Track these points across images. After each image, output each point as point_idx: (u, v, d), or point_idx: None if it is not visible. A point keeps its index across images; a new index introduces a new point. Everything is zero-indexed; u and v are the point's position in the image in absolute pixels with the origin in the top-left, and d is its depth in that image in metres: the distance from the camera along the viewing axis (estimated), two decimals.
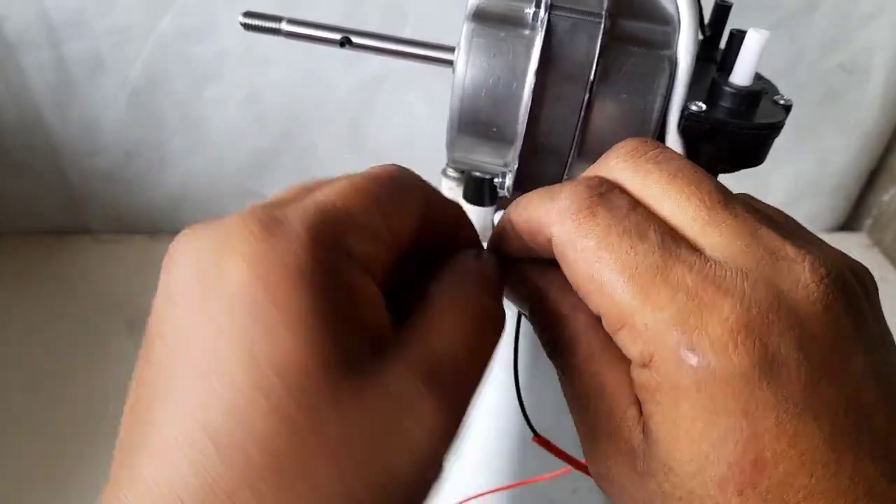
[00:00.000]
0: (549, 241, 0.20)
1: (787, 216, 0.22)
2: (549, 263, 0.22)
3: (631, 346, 0.18)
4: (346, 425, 0.16)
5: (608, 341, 0.20)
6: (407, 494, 0.17)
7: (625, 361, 0.20)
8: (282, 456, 0.15)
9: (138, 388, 0.18)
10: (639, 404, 0.19)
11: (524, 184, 0.27)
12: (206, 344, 0.16)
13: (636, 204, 0.19)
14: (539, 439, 0.28)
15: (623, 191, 0.20)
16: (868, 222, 0.94)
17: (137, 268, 0.82)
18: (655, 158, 0.20)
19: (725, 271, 0.17)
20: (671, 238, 0.18)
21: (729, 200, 0.19)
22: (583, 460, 0.27)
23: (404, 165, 0.23)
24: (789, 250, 0.18)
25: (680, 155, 0.20)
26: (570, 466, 0.29)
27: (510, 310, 0.34)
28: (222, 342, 0.16)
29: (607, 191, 0.20)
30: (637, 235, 0.18)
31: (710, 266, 0.18)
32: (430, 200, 0.21)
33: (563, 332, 0.21)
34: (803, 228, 0.21)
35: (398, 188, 0.20)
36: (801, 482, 0.16)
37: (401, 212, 0.20)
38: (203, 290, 0.17)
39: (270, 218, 0.17)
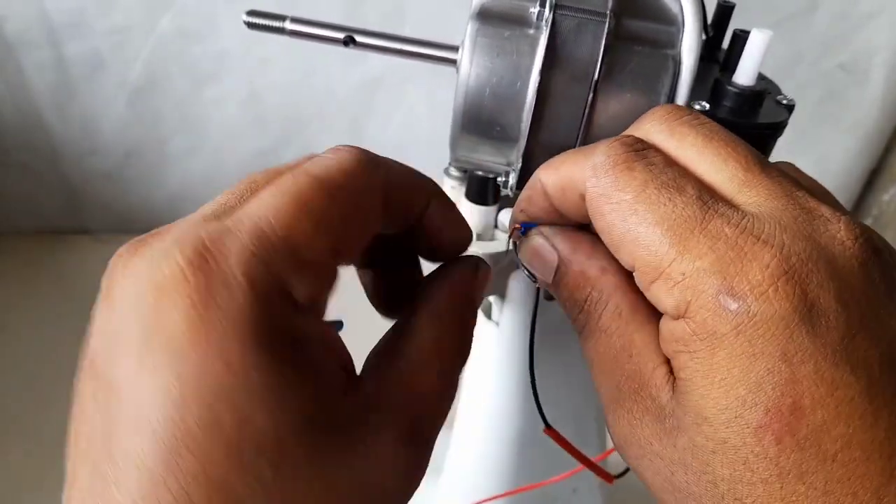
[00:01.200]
0: (582, 198, 0.20)
1: (820, 186, 0.22)
2: (575, 228, 0.22)
3: (666, 297, 0.18)
4: (330, 485, 0.16)
5: (636, 302, 0.20)
6: None
7: (653, 322, 0.20)
8: None
9: (83, 421, 0.17)
10: (667, 363, 0.19)
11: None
12: (158, 408, 0.15)
13: (672, 162, 0.19)
14: (550, 431, 0.28)
15: (659, 150, 0.20)
16: (868, 222, 0.94)
17: None
18: (690, 122, 0.20)
19: (764, 224, 0.18)
20: (709, 193, 0.18)
21: (765, 164, 0.19)
22: (592, 457, 0.27)
23: (404, 163, 0.22)
24: (825, 210, 0.18)
25: (713, 121, 0.20)
26: (572, 470, 0.29)
27: (524, 307, 0.34)
28: (183, 410, 0.15)
29: (644, 148, 0.20)
30: (675, 189, 0.18)
31: (749, 220, 0.18)
32: (394, 187, 0.21)
33: (591, 294, 0.21)
34: (836, 201, 0.21)
35: (351, 193, 0.19)
36: (839, 431, 0.16)
37: (352, 224, 0.19)
38: (145, 338, 0.16)
39: (202, 254, 0.16)
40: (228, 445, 0.15)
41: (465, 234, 0.24)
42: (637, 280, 0.19)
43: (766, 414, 0.17)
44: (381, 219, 0.20)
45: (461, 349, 0.21)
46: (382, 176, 0.20)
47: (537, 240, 0.23)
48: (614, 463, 0.34)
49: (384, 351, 0.20)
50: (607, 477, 0.29)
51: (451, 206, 0.23)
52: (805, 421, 0.16)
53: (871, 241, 0.18)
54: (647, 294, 0.19)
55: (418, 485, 0.19)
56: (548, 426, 0.28)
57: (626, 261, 0.20)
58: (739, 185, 0.19)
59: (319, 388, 0.17)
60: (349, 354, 0.19)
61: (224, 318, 0.15)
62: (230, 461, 0.15)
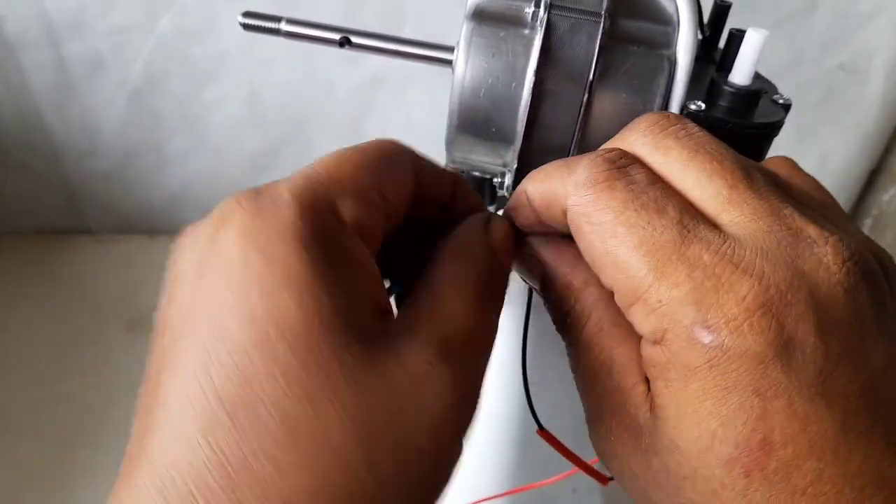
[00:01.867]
0: (564, 213, 0.20)
1: (818, 189, 0.21)
2: (562, 238, 0.22)
3: (643, 322, 0.18)
4: (361, 392, 0.16)
5: (618, 317, 0.20)
6: (426, 468, 0.17)
7: (634, 338, 0.20)
8: (295, 420, 0.15)
9: (146, 382, 0.18)
10: (647, 381, 0.19)
11: None
12: (208, 315, 0.16)
13: (656, 179, 0.19)
14: (543, 433, 0.29)
15: (643, 165, 0.20)
16: (868, 222, 0.94)
17: (137, 268, 0.82)
18: (676, 134, 0.20)
19: (745, 250, 0.17)
20: (690, 215, 0.18)
21: (753, 178, 0.19)
22: (587, 459, 0.27)
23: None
24: (812, 231, 0.18)
25: (702, 129, 0.20)
26: (568, 471, 0.29)
27: (520, 307, 0.34)
28: (224, 310, 0.16)
29: (626, 164, 0.19)
30: (655, 211, 0.18)
31: (730, 244, 0.17)
32: (421, 171, 0.21)
33: (574, 307, 0.21)
34: (833, 207, 0.21)
35: (387, 157, 0.20)
36: (810, 466, 0.16)
37: (390, 178, 0.20)
38: (201, 266, 0.17)
39: (258, 190, 0.18)
40: (257, 332, 0.15)
41: None
42: (616, 300, 0.19)
43: (735, 448, 0.16)
44: (416, 186, 0.21)
45: (483, 282, 0.21)
46: (411, 154, 0.21)
47: (524, 249, 0.23)
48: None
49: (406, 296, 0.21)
50: (602, 479, 0.29)
51: (475, 196, 0.24)
52: (775, 456, 0.16)
53: (860, 265, 0.17)
54: (626, 315, 0.19)
55: (470, 416, 0.19)
56: (541, 427, 0.28)
57: (605, 281, 0.19)
58: (724, 202, 0.18)
59: (353, 299, 0.17)
60: (386, 295, 0.19)
61: (271, 227, 0.17)
62: (258, 351, 0.15)
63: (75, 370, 0.68)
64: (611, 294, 0.20)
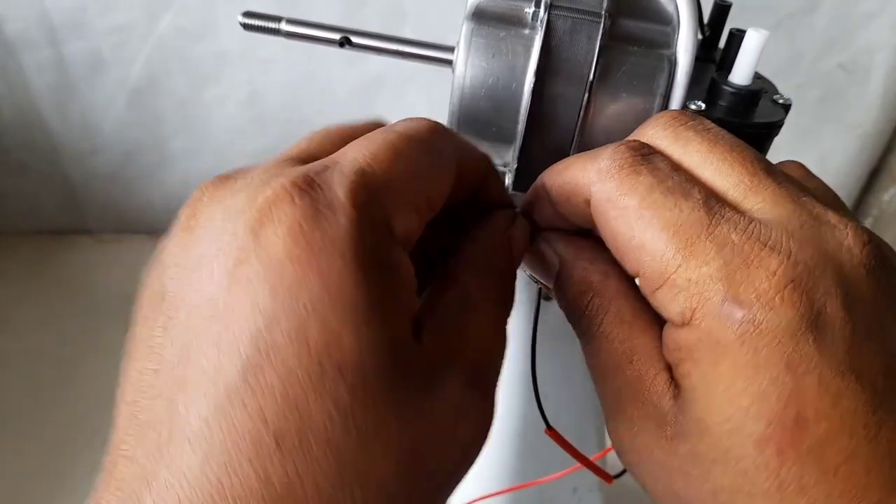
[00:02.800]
0: (587, 203, 0.20)
1: (828, 190, 0.22)
2: (577, 233, 0.22)
3: (671, 303, 0.18)
4: (405, 427, 0.16)
5: (638, 308, 0.20)
6: (453, 486, 0.18)
7: (654, 328, 0.20)
8: (343, 451, 0.15)
9: (150, 360, 0.17)
10: (668, 369, 0.19)
11: (524, 183, 0.27)
12: (249, 324, 0.15)
13: (678, 167, 0.19)
14: (551, 432, 0.29)
15: (664, 155, 0.20)
16: (868, 222, 0.94)
17: (137, 267, 0.82)
18: (695, 127, 0.20)
19: (771, 230, 0.17)
20: (715, 199, 0.18)
21: (771, 169, 0.19)
22: (590, 456, 0.27)
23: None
24: (832, 217, 0.18)
25: (716, 125, 0.20)
26: (568, 469, 0.29)
27: (529, 304, 0.34)
28: (271, 324, 0.15)
29: (649, 153, 0.20)
30: (681, 193, 0.18)
31: (756, 225, 0.18)
32: (463, 162, 0.21)
33: (593, 300, 0.21)
34: (844, 207, 0.21)
35: (436, 153, 0.20)
36: (842, 444, 0.16)
37: (438, 179, 0.19)
38: (237, 259, 0.15)
39: (310, 182, 0.16)
40: (311, 362, 0.15)
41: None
42: (641, 286, 0.19)
43: (768, 426, 0.16)
44: (454, 180, 0.20)
45: (505, 296, 0.21)
46: (455, 140, 0.21)
47: (539, 245, 0.23)
48: (613, 463, 0.34)
49: (430, 304, 0.20)
50: (607, 477, 0.29)
51: (502, 184, 0.24)
52: (808, 433, 0.16)
53: (879, 249, 0.18)
54: (651, 301, 0.19)
55: (486, 436, 0.19)
56: (549, 427, 0.28)
57: (630, 267, 0.19)
58: (745, 190, 0.19)
59: (400, 327, 0.17)
60: (418, 304, 0.19)
61: (326, 237, 0.15)
62: (311, 380, 0.15)
63: (75, 370, 0.68)
64: (630, 286, 0.20)
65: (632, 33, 0.26)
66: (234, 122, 0.79)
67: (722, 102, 0.26)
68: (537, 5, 0.24)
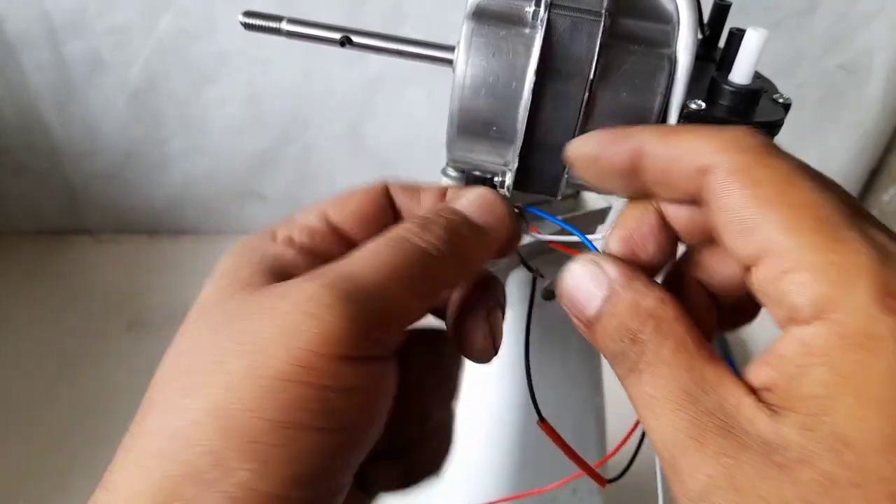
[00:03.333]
0: (700, 171, 0.19)
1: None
2: (624, 263, 0.21)
3: (805, 290, 0.16)
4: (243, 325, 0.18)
5: (700, 336, 0.19)
6: (288, 394, 0.17)
7: (718, 357, 0.19)
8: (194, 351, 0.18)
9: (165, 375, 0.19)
10: (753, 394, 0.17)
11: (524, 183, 0.27)
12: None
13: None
14: (544, 424, 0.29)
15: None
16: None
17: (137, 267, 0.82)
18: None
19: None
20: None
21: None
22: (590, 459, 0.27)
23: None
24: None
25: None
26: (569, 477, 0.29)
27: (524, 303, 0.34)
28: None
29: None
30: (823, 185, 0.17)
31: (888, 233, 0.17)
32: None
33: (648, 326, 0.19)
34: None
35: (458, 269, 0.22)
36: None
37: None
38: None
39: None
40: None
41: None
42: (758, 274, 0.18)
43: None
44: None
45: (411, 238, 0.21)
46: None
47: (587, 266, 0.21)
48: (612, 466, 0.34)
49: None
50: (600, 480, 0.29)
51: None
52: None
53: None
54: (769, 289, 0.17)
55: (360, 349, 0.18)
56: (541, 418, 0.28)
57: (748, 248, 0.18)
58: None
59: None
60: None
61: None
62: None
63: (76, 369, 0.68)
64: (687, 314, 0.19)
65: (632, 32, 0.26)
66: (233, 123, 0.79)
67: (722, 101, 0.26)
68: (538, 4, 0.24)
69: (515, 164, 0.26)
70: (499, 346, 0.23)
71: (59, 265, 0.82)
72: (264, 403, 0.17)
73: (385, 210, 0.24)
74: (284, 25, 0.27)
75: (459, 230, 0.22)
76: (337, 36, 0.27)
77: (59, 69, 0.72)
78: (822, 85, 0.81)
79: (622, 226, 0.23)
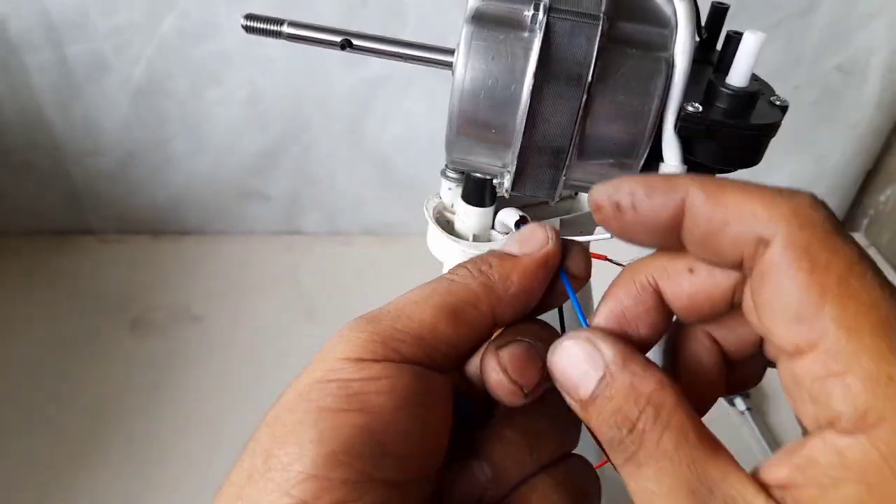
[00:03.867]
0: (758, 241, 0.17)
1: None
2: (622, 339, 0.20)
3: (850, 399, 0.15)
4: None
5: (702, 426, 0.18)
6: (315, 393, 0.20)
7: (723, 451, 0.17)
8: None
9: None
10: (762, 489, 0.16)
11: (522, 185, 0.28)
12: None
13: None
14: None
15: None
16: (865, 222, 0.94)
17: (140, 267, 0.82)
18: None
19: None
20: None
21: None
22: (580, 453, 0.27)
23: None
24: None
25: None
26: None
27: None
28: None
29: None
30: (885, 282, 0.16)
31: None
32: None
33: (647, 413, 0.18)
34: None
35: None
36: None
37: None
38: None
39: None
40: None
41: None
42: (801, 366, 0.16)
43: None
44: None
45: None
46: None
47: (580, 343, 0.20)
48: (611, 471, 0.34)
49: None
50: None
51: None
52: None
53: None
54: (811, 385, 0.16)
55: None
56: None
57: (796, 336, 0.16)
58: None
59: None
60: None
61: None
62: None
63: (78, 369, 0.69)
64: (688, 401, 0.18)
65: (630, 36, 0.26)
66: (235, 123, 0.79)
67: (719, 104, 0.27)
68: (536, 8, 0.25)
69: (514, 166, 0.27)
70: (526, 383, 0.21)
71: (61, 265, 0.82)
72: (299, 401, 0.19)
73: None
74: (285, 28, 0.27)
75: (487, 259, 0.22)
76: (337, 39, 0.27)
77: (62, 69, 0.73)
78: (819, 86, 0.81)
79: (613, 299, 0.21)
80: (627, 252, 0.23)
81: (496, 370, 0.21)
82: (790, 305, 0.16)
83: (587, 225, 0.37)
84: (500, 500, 0.22)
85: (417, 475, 0.20)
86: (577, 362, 0.20)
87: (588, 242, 0.30)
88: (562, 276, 0.22)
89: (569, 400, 0.20)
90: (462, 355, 0.22)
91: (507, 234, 0.33)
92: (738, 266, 0.18)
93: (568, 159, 0.26)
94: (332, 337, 0.21)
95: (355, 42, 0.27)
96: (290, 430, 0.18)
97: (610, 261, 0.29)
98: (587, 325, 0.21)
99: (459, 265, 0.22)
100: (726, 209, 0.18)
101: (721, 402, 0.69)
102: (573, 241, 0.23)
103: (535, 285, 0.22)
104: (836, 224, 0.17)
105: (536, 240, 0.22)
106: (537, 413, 0.22)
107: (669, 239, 0.19)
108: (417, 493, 0.20)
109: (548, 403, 0.22)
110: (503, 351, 0.21)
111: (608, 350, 0.19)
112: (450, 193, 0.34)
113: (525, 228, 0.23)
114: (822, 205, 0.17)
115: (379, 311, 0.21)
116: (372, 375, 0.19)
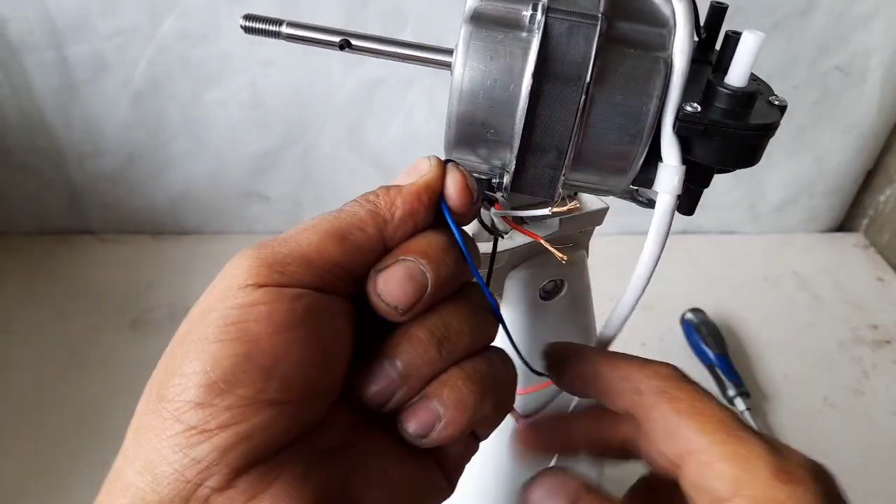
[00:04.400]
0: (635, 391, 0.26)
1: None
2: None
3: (720, 477, 0.23)
4: None
5: None
6: (204, 320, 0.21)
7: None
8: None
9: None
10: None
11: (521, 185, 0.28)
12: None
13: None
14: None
15: None
16: (864, 223, 0.94)
17: (140, 268, 0.82)
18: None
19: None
20: None
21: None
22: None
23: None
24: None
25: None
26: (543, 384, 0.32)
27: (523, 306, 0.35)
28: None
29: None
30: (718, 402, 0.26)
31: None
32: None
33: None
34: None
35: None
36: None
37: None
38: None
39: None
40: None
41: None
42: (686, 470, 0.24)
43: None
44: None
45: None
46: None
47: (550, 478, 0.27)
48: (610, 477, 0.34)
49: None
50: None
51: None
52: None
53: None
54: (696, 481, 0.24)
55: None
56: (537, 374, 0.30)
57: (674, 449, 0.24)
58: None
59: None
60: None
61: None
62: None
63: (78, 370, 0.69)
64: None
65: (628, 36, 0.26)
66: (235, 124, 0.79)
67: (718, 104, 0.27)
68: (535, 8, 0.25)
69: (513, 167, 0.27)
70: (401, 303, 0.23)
71: (61, 265, 0.82)
72: (187, 333, 0.21)
73: None
74: (284, 29, 0.27)
75: (374, 191, 0.24)
76: (336, 39, 0.27)
77: (63, 71, 0.73)
78: (819, 86, 0.81)
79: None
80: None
81: (373, 293, 0.23)
82: (664, 431, 0.25)
83: (586, 225, 0.37)
84: (412, 397, 0.23)
85: (310, 392, 0.21)
86: (545, 496, 0.26)
87: (527, 217, 0.31)
88: (442, 205, 0.24)
89: None
90: (357, 276, 0.23)
91: (504, 231, 0.33)
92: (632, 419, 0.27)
93: (567, 159, 0.26)
94: (227, 263, 0.22)
95: (354, 42, 0.27)
96: (178, 363, 0.20)
97: (543, 242, 0.30)
98: (486, 289, 0.26)
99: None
100: (619, 373, 0.27)
101: (721, 401, 0.69)
102: (457, 168, 0.25)
103: (418, 207, 0.24)
104: (682, 374, 0.26)
105: (420, 169, 0.25)
106: (448, 311, 0.24)
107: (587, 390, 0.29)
108: (313, 407, 0.22)
109: (460, 301, 0.24)
110: (380, 275, 0.23)
111: (575, 481, 0.26)
112: None
113: (414, 161, 0.25)
114: (673, 366, 0.27)
115: (270, 239, 0.22)
116: (251, 302, 0.20)
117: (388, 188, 0.24)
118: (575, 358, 0.29)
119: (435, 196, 0.24)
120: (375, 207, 0.24)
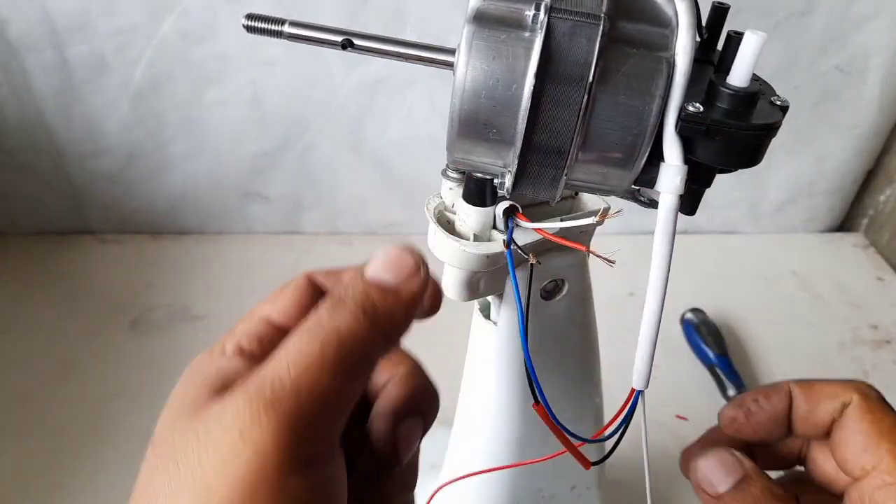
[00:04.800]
0: (837, 409, 0.30)
1: None
2: None
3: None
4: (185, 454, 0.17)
5: None
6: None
7: None
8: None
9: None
10: None
11: (524, 185, 0.28)
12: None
13: None
14: (538, 407, 0.29)
15: None
16: (864, 222, 0.94)
17: (140, 268, 0.82)
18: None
19: None
20: None
21: None
22: (576, 442, 0.28)
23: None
24: None
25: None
26: (556, 452, 0.30)
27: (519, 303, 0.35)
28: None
29: None
30: None
31: None
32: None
33: None
34: None
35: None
36: None
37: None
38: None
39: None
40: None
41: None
42: (865, 482, 0.27)
43: None
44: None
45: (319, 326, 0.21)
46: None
47: (721, 454, 0.29)
48: (612, 465, 0.34)
49: None
50: (585, 462, 0.30)
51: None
52: None
53: None
54: (872, 494, 0.27)
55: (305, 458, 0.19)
56: (537, 402, 0.29)
57: (862, 461, 0.28)
58: None
59: None
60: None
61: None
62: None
63: (78, 370, 0.69)
64: None
65: (631, 36, 0.26)
66: (235, 125, 0.79)
67: (720, 104, 0.27)
68: (537, 8, 0.25)
69: (515, 166, 0.27)
70: (402, 454, 0.24)
71: (61, 265, 0.82)
72: None
73: (316, 298, 0.24)
74: (286, 28, 0.27)
75: (370, 298, 0.21)
76: (338, 39, 0.27)
77: (63, 71, 0.73)
78: (819, 86, 0.81)
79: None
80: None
81: (389, 443, 0.25)
82: (859, 442, 0.28)
83: (588, 225, 0.37)
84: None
85: None
86: (718, 466, 0.29)
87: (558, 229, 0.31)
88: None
89: (701, 496, 0.29)
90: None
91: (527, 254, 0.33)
92: (825, 434, 0.30)
93: (569, 159, 0.26)
94: (217, 407, 0.18)
95: (356, 42, 0.27)
96: None
97: (606, 259, 0.30)
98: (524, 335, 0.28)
99: (339, 300, 0.21)
100: (820, 392, 0.30)
101: (721, 402, 0.69)
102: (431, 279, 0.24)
103: (412, 319, 0.23)
104: (882, 398, 0.30)
105: (404, 267, 0.22)
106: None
107: (782, 427, 0.31)
108: None
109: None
110: (400, 426, 0.25)
111: (747, 461, 0.29)
112: (451, 193, 0.34)
113: (388, 256, 0.23)
114: (872, 387, 0.30)
115: (272, 378, 0.18)
116: (308, 489, 0.17)
117: (384, 294, 0.22)
118: (764, 394, 0.32)
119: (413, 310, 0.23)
120: (377, 328, 0.21)
